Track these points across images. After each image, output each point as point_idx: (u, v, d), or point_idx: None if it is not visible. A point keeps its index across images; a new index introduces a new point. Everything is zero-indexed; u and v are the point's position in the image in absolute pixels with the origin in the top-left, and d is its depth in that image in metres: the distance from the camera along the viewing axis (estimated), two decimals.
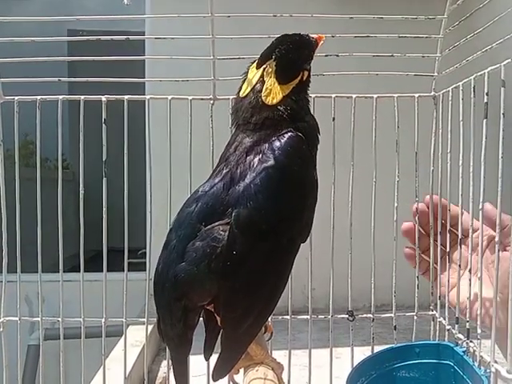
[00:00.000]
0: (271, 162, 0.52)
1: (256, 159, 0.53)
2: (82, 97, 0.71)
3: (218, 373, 0.54)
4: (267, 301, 0.52)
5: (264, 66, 0.57)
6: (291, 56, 0.57)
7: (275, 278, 0.53)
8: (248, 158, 0.53)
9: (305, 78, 0.58)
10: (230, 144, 0.57)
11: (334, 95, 0.68)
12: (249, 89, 0.57)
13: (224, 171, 0.54)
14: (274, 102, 0.55)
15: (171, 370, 0.57)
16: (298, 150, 0.53)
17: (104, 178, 0.71)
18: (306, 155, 0.54)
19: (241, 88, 0.58)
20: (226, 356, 0.53)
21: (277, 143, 0.53)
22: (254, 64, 0.58)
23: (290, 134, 0.54)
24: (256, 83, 0.56)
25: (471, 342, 0.57)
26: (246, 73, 0.58)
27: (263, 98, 0.55)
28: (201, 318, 0.57)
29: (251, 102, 0.56)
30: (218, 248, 0.51)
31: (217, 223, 0.52)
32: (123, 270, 0.72)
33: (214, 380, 0.55)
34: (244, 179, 0.52)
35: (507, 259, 0.50)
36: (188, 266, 0.52)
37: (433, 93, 0.71)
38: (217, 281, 0.51)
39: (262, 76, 0.56)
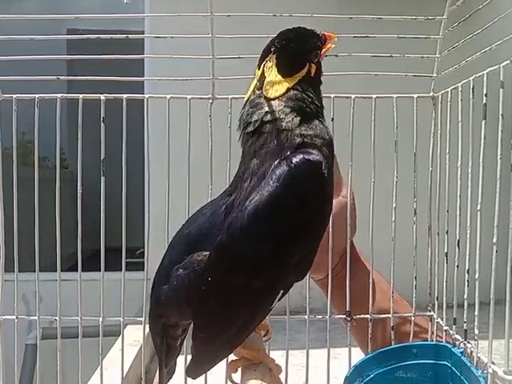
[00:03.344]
0: (263, 195, 0.45)
1: (257, 185, 0.46)
2: (81, 95, 0.71)
3: (189, 374, 0.55)
4: (235, 334, 0.51)
5: (264, 62, 0.51)
6: (293, 45, 0.51)
7: (245, 316, 0.50)
8: (251, 182, 0.47)
9: (313, 73, 0.52)
10: (241, 163, 0.51)
11: (333, 95, 0.68)
12: (251, 90, 0.51)
13: (231, 196, 0.50)
14: (278, 94, 0.49)
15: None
16: (302, 181, 0.45)
17: (102, 177, 0.71)
18: (312, 187, 0.45)
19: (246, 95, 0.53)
20: (196, 364, 0.54)
21: (279, 170, 0.45)
22: (257, 68, 0.52)
23: (299, 158, 0.45)
24: (257, 81, 0.51)
25: (469, 342, 0.57)
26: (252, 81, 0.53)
27: (264, 93, 0.49)
28: None
29: (252, 101, 0.50)
30: (197, 281, 0.49)
31: (203, 254, 0.49)
32: (121, 270, 0.72)
33: (188, 377, 0.55)
34: (238, 209, 0.47)
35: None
36: (169, 292, 0.52)
37: (432, 93, 0.71)
38: (192, 308, 0.51)
39: (262, 73, 0.51)
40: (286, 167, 0.45)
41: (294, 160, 0.45)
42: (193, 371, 0.54)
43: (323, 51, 0.54)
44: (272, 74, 0.50)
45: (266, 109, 0.49)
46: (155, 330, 0.55)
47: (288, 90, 0.49)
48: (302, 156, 0.45)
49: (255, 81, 0.52)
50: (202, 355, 0.53)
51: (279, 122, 0.48)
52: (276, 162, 0.46)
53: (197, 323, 0.52)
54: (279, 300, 0.52)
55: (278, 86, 0.50)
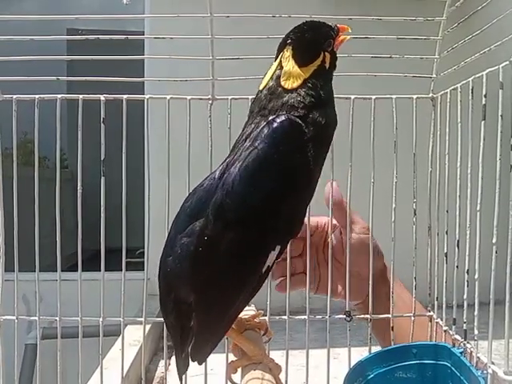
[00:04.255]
0: (252, 149, 0.50)
1: (246, 146, 0.51)
2: (81, 96, 0.71)
3: (193, 356, 0.54)
4: (234, 292, 0.52)
5: (281, 53, 0.55)
6: (308, 35, 0.55)
7: (243, 269, 0.51)
8: (243, 145, 0.52)
9: (327, 64, 0.55)
10: (241, 131, 0.56)
11: None
12: (268, 78, 0.55)
13: (225, 161, 0.54)
14: (295, 85, 0.53)
15: (168, 369, 0.58)
16: (285, 137, 0.50)
17: (102, 178, 0.71)
18: (294, 143, 0.51)
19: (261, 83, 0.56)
20: (197, 340, 0.53)
21: (266, 128, 0.51)
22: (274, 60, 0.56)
23: (282, 117, 0.51)
24: (275, 71, 0.55)
25: (468, 343, 0.57)
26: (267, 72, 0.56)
27: (282, 83, 0.53)
28: None
29: (270, 89, 0.54)
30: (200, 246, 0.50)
31: (204, 220, 0.51)
32: (121, 270, 0.72)
33: (193, 361, 0.55)
34: (232, 168, 0.51)
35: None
36: (173, 262, 0.52)
37: (431, 94, 0.72)
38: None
39: (280, 63, 0.54)
40: (270, 125, 0.51)
41: (277, 119, 0.51)
42: (196, 352, 0.54)
43: (337, 42, 0.57)
44: (289, 64, 0.54)
45: (283, 100, 0.52)
46: (167, 309, 0.55)
47: (304, 81, 0.53)
48: (283, 116, 0.51)
49: (273, 70, 0.55)
50: (203, 329, 0.53)
51: (293, 108, 0.52)
52: (263, 125, 0.51)
53: (196, 291, 0.52)
54: (277, 259, 0.53)
55: (294, 77, 0.53)
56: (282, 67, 0.54)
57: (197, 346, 0.54)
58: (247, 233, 0.50)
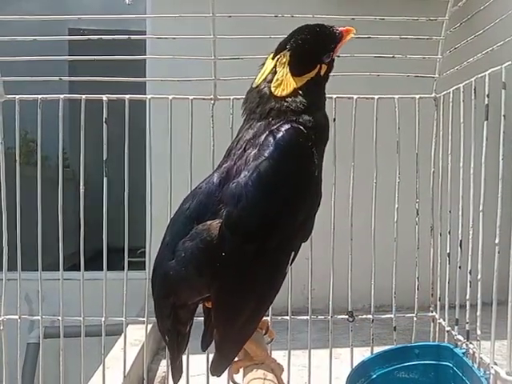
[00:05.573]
0: (263, 159, 0.49)
1: (252, 154, 0.51)
2: (83, 96, 0.71)
3: (215, 370, 0.54)
4: (259, 301, 0.52)
5: (278, 56, 0.54)
6: (307, 47, 0.54)
7: (266, 279, 0.51)
8: (246, 152, 0.51)
9: (323, 73, 0.55)
10: (236, 136, 0.55)
11: (335, 96, 0.68)
12: (261, 79, 0.54)
13: (223, 166, 0.53)
14: (284, 93, 0.52)
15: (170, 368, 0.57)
16: (293, 144, 0.50)
17: (105, 178, 0.71)
18: (303, 151, 0.51)
19: (256, 79, 0.55)
20: (220, 354, 0.53)
21: (272, 137, 0.50)
22: (271, 55, 0.55)
23: (287, 126, 0.50)
24: (268, 73, 0.54)
25: (471, 343, 0.57)
26: (263, 64, 0.55)
27: (272, 89, 0.53)
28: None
29: (260, 92, 0.54)
30: (206, 250, 0.50)
31: (208, 223, 0.51)
32: (123, 269, 0.72)
33: (213, 375, 0.55)
34: (238, 176, 0.50)
35: None
36: (177, 265, 0.52)
37: (434, 94, 0.71)
38: (206, 282, 0.51)
39: (274, 66, 0.54)
40: (276, 134, 0.50)
41: (281, 128, 0.50)
42: (216, 366, 0.53)
43: (338, 47, 0.56)
44: (283, 70, 0.53)
45: (271, 105, 0.52)
46: (164, 314, 0.54)
47: (294, 90, 0.52)
48: (287, 125, 0.50)
49: (268, 70, 0.54)
50: (226, 336, 0.52)
51: (279, 115, 0.52)
52: (267, 133, 0.51)
53: (214, 299, 0.52)
54: (291, 264, 0.53)
55: (285, 85, 0.53)
56: (275, 71, 0.54)
57: (219, 361, 0.53)
58: (268, 244, 0.50)
